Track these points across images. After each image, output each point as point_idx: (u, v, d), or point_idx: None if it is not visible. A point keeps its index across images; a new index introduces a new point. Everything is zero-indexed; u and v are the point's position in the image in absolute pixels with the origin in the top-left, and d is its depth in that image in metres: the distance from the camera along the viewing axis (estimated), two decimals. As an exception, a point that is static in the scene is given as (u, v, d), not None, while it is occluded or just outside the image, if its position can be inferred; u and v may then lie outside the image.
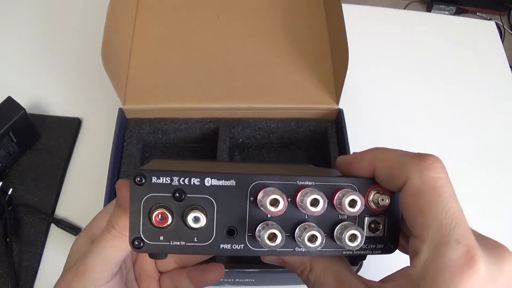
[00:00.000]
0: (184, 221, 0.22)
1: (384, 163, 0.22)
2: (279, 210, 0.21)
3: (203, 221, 0.22)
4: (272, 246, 0.22)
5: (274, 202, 0.21)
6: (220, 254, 0.26)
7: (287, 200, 0.22)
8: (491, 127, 0.69)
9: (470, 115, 0.69)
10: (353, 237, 0.22)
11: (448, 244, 0.18)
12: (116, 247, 0.25)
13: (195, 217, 0.22)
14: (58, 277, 0.27)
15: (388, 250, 0.24)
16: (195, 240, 0.23)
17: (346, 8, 0.56)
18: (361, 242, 0.22)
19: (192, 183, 0.22)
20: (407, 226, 0.21)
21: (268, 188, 0.22)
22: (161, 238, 0.23)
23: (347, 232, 0.22)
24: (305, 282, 0.25)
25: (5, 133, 0.56)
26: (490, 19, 1.34)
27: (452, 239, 0.19)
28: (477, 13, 1.74)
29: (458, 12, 1.73)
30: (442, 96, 0.71)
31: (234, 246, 0.23)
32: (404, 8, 1.74)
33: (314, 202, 0.22)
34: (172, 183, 0.22)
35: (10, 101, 0.57)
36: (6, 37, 0.72)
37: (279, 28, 0.64)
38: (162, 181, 0.22)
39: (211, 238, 0.23)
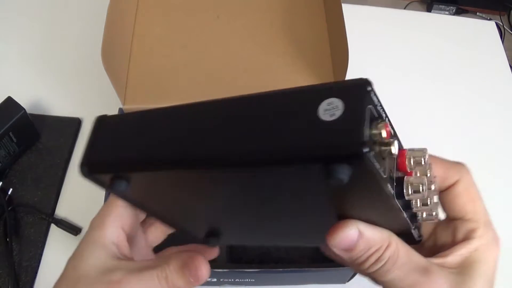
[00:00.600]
0: None
1: (441, 166, 0.30)
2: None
3: None
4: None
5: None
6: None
7: None
8: (491, 127, 0.69)
9: (470, 115, 0.69)
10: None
11: (491, 224, 0.27)
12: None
13: None
14: (58, 277, 0.27)
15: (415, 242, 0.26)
16: None
17: (346, 8, 0.56)
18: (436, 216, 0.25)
19: None
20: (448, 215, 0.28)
21: None
22: None
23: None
24: (375, 263, 0.23)
25: (5, 133, 0.56)
26: (490, 19, 1.34)
27: (490, 220, 0.28)
28: (477, 13, 1.74)
29: (458, 12, 1.73)
30: (442, 96, 0.71)
31: None
32: (404, 8, 1.74)
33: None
34: None
35: (10, 101, 0.57)
36: (6, 37, 0.72)
37: (279, 28, 0.64)
38: None
39: None
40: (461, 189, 0.28)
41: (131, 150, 0.23)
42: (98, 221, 0.28)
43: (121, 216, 0.28)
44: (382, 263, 0.23)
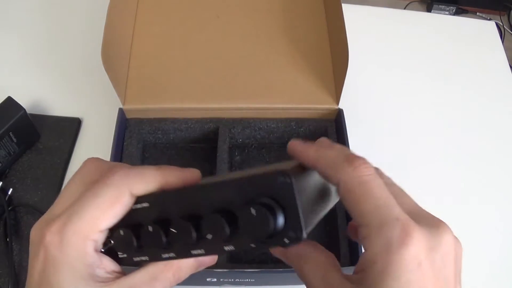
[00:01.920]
0: None
1: (322, 163, 0.24)
2: None
3: None
4: None
5: None
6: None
7: None
8: (491, 127, 0.69)
9: (470, 115, 0.69)
10: None
11: (388, 223, 0.21)
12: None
13: None
14: None
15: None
16: None
17: (346, 8, 0.56)
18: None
19: None
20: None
21: None
22: None
23: None
24: (301, 276, 0.26)
25: (5, 133, 0.56)
26: (490, 19, 1.34)
27: (390, 218, 0.22)
28: (477, 13, 1.74)
29: (458, 12, 1.73)
30: (442, 96, 0.71)
31: None
32: (404, 8, 1.74)
33: None
34: None
35: (10, 101, 0.57)
36: (7, 37, 0.72)
37: (279, 28, 0.64)
38: None
39: None
40: (342, 192, 0.23)
41: None
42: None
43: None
44: (305, 277, 0.26)
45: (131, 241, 0.25)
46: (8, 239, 0.53)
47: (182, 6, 0.65)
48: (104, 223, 0.24)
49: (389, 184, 0.25)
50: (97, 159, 0.28)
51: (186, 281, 0.48)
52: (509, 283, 0.56)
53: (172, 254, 0.25)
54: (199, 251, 0.25)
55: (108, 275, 0.25)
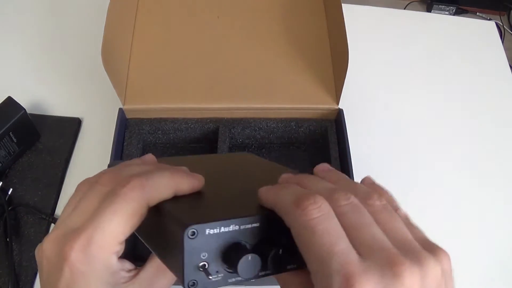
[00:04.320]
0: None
1: (277, 209, 0.24)
2: None
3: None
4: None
5: None
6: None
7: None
8: (491, 127, 0.69)
9: (470, 115, 0.69)
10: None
11: (330, 276, 0.20)
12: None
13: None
14: None
15: None
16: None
17: (346, 8, 0.56)
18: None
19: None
20: None
21: None
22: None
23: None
24: None
25: (5, 133, 0.56)
26: (490, 19, 1.34)
27: (332, 269, 0.20)
28: (477, 13, 1.74)
29: (458, 12, 1.73)
30: (441, 96, 0.71)
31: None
32: (404, 8, 1.74)
33: None
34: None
35: (10, 101, 0.57)
36: (7, 37, 0.72)
37: (279, 28, 0.64)
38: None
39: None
40: (294, 237, 0.22)
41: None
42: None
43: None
44: None
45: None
46: (8, 239, 0.53)
47: (182, 7, 0.65)
48: (124, 236, 0.25)
49: (352, 211, 0.23)
50: (111, 170, 0.28)
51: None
52: (510, 283, 0.56)
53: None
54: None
55: (128, 274, 0.27)
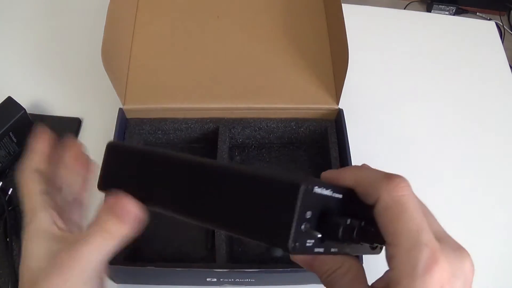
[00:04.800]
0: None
1: (362, 183, 0.25)
2: None
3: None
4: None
5: None
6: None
7: None
8: (491, 127, 0.69)
9: (470, 115, 0.69)
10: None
11: (417, 247, 0.22)
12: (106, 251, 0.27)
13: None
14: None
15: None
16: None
17: (346, 8, 0.56)
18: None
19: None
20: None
21: None
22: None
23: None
24: (327, 282, 0.27)
25: (5, 133, 0.56)
26: (490, 19, 1.34)
27: (420, 243, 0.22)
28: (477, 13, 1.74)
29: (458, 12, 1.73)
30: (442, 95, 0.71)
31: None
32: (404, 8, 1.74)
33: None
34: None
35: (10, 101, 0.57)
36: (7, 37, 0.72)
37: (279, 28, 0.64)
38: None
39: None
40: (379, 209, 0.24)
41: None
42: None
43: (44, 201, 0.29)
44: (333, 282, 0.27)
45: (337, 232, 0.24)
46: (8, 239, 0.53)
47: (182, 6, 0.65)
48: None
49: (421, 205, 0.26)
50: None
51: (185, 281, 0.48)
52: (510, 283, 0.56)
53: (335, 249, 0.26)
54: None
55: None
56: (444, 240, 0.24)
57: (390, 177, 0.24)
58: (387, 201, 0.23)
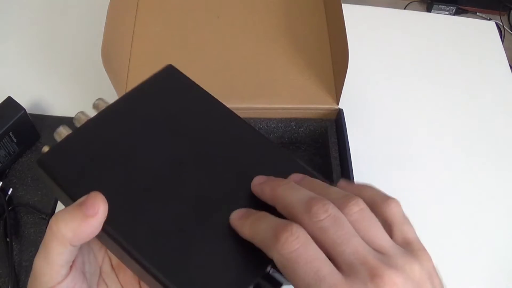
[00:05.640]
0: None
1: (257, 242, 0.24)
2: None
3: None
4: None
5: None
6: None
7: None
8: (491, 127, 0.69)
9: (470, 115, 0.69)
10: None
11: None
12: (59, 251, 0.26)
13: None
14: None
15: None
16: None
17: (346, 8, 0.56)
18: None
19: None
20: None
21: None
22: None
23: None
24: None
25: (5, 133, 0.56)
26: (490, 19, 1.34)
27: None
28: (477, 13, 1.74)
29: (458, 12, 1.73)
30: (441, 96, 0.71)
31: None
32: (404, 8, 1.74)
33: None
34: None
35: (10, 101, 0.57)
36: (6, 37, 0.72)
37: (279, 28, 0.64)
38: None
39: None
40: (278, 267, 0.23)
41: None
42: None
43: (63, 253, 0.27)
44: None
45: None
46: (8, 239, 0.53)
47: (182, 6, 0.65)
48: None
49: (332, 225, 0.23)
50: None
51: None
52: (507, 284, 0.56)
53: None
54: None
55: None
56: (357, 269, 0.22)
57: (277, 235, 0.22)
58: (279, 262, 0.23)
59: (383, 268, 0.21)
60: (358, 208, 0.24)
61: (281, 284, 0.26)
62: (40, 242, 0.54)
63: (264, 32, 0.63)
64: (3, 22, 0.74)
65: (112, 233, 0.26)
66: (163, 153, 0.29)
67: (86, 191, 0.25)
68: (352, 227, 0.23)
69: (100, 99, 0.31)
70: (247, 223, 0.25)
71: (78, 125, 0.31)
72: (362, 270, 0.22)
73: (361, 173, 0.57)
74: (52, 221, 0.26)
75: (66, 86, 0.68)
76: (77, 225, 0.25)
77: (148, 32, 0.62)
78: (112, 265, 0.32)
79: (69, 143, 0.29)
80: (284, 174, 0.28)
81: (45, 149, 0.28)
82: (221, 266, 0.25)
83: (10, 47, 0.72)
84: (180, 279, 0.24)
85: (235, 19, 0.64)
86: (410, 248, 0.24)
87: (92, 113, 0.32)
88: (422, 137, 0.67)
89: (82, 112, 0.31)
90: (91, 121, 0.30)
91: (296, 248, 0.22)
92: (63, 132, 0.30)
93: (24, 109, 0.57)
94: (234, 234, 0.26)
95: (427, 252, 0.24)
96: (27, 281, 0.52)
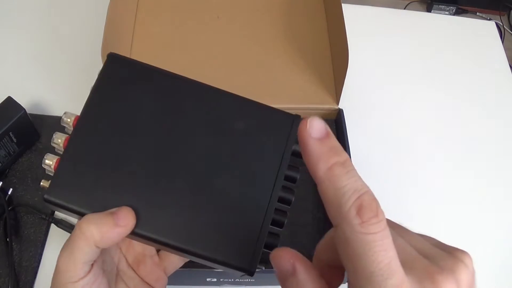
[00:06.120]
0: None
1: (328, 194, 0.20)
2: None
3: None
4: None
5: None
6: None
7: None
8: (491, 127, 0.69)
9: (470, 115, 0.69)
10: None
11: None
12: (85, 250, 0.28)
13: None
14: None
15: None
16: None
17: (346, 8, 0.56)
18: None
19: None
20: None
21: None
22: None
23: None
24: None
25: (5, 133, 0.56)
26: (490, 19, 1.34)
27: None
28: (477, 13, 1.74)
29: (458, 12, 1.73)
30: (441, 96, 0.71)
31: None
32: (404, 8, 1.74)
33: None
34: None
35: (10, 101, 0.57)
36: (6, 37, 0.72)
37: (279, 28, 0.64)
38: None
39: None
40: (338, 239, 0.20)
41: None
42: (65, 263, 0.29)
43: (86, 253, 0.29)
44: None
45: None
46: (8, 239, 0.53)
47: (182, 7, 0.65)
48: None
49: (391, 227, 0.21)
50: None
51: (185, 281, 0.48)
52: (507, 284, 0.56)
53: None
54: None
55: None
56: (414, 268, 0.20)
57: (360, 210, 0.19)
58: (349, 236, 0.20)
59: (437, 269, 0.20)
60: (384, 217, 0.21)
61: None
62: (40, 242, 0.54)
63: (264, 32, 0.63)
64: (3, 22, 0.74)
65: (139, 233, 0.29)
66: (153, 146, 0.30)
67: (101, 207, 0.29)
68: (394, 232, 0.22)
69: (65, 113, 0.32)
70: (324, 163, 0.21)
71: (67, 126, 0.32)
72: (419, 270, 0.20)
73: (361, 173, 0.57)
74: (83, 221, 0.28)
75: (66, 86, 0.68)
76: (106, 230, 0.27)
77: (148, 32, 0.62)
78: (128, 263, 0.34)
79: (64, 170, 0.30)
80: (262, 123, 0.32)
81: (44, 184, 0.30)
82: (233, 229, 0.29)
83: (10, 47, 0.72)
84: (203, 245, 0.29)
85: (235, 19, 0.64)
86: (452, 250, 0.22)
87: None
88: (422, 137, 0.67)
89: (65, 114, 0.32)
90: (73, 140, 0.30)
91: (377, 231, 0.19)
92: (51, 161, 0.31)
93: (24, 109, 0.57)
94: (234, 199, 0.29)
95: (469, 254, 0.23)
96: (27, 281, 0.52)
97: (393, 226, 0.22)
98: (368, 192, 0.20)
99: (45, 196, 0.29)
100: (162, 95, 0.31)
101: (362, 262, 0.19)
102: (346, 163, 0.21)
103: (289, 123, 0.33)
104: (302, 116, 0.30)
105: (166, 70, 0.33)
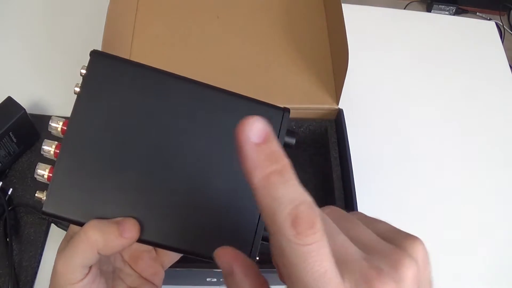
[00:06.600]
0: None
1: (264, 203, 0.19)
2: None
3: None
4: None
5: None
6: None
7: None
8: (491, 127, 0.69)
9: (470, 115, 0.69)
10: None
11: None
12: (86, 254, 0.28)
13: None
14: None
15: None
16: None
17: (346, 8, 0.56)
18: None
19: None
20: None
21: None
22: None
23: None
24: None
25: (5, 133, 0.56)
26: (490, 19, 1.34)
27: None
28: (477, 13, 1.74)
29: (458, 12, 1.73)
30: (441, 96, 0.71)
31: None
32: (404, 8, 1.74)
33: None
34: None
35: (10, 101, 0.57)
36: (6, 37, 0.72)
37: (279, 28, 0.64)
38: None
39: None
40: (273, 249, 0.21)
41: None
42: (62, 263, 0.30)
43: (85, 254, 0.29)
44: None
45: None
46: (8, 239, 0.53)
47: (182, 7, 0.65)
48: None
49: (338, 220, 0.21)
50: None
51: (185, 281, 0.48)
52: (507, 284, 0.56)
53: None
54: None
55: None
56: (350, 270, 0.20)
57: (295, 221, 0.18)
58: (284, 247, 0.19)
59: (374, 273, 0.19)
60: (334, 207, 0.24)
61: None
62: (40, 242, 0.54)
63: (264, 32, 0.63)
64: (3, 22, 0.74)
65: (143, 239, 0.29)
66: (146, 147, 0.30)
67: (101, 214, 0.29)
68: (337, 227, 0.21)
69: (52, 118, 0.32)
70: (261, 171, 0.19)
71: (54, 131, 0.32)
72: (355, 273, 0.19)
73: (361, 173, 0.58)
74: (89, 227, 0.28)
75: (66, 86, 0.67)
76: (110, 239, 0.28)
77: (148, 32, 0.62)
78: (125, 260, 0.35)
79: (59, 181, 0.30)
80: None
81: (39, 195, 0.31)
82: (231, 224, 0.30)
83: (10, 47, 0.72)
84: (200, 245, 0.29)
85: (235, 19, 0.64)
86: (400, 238, 0.21)
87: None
88: (422, 137, 0.67)
89: (52, 119, 0.32)
90: (64, 148, 0.30)
91: (312, 242, 0.19)
92: (44, 171, 0.32)
93: (24, 109, 0.57)
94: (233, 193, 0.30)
95: (419, 240, 0.21)
96: (27, 281, 0.52)
97: (340, 219, 0.22)
98: (305, 202, 0.19)
99: (44, 209, 0.29)
100: (149, 92, 0.31)
101: (298, 272, 0.19)
102: (284, 171, 0.20)
103: (279, 116, 0.33)
104: (289, 113, 0.32)
105: (151, 66, 0.33)
